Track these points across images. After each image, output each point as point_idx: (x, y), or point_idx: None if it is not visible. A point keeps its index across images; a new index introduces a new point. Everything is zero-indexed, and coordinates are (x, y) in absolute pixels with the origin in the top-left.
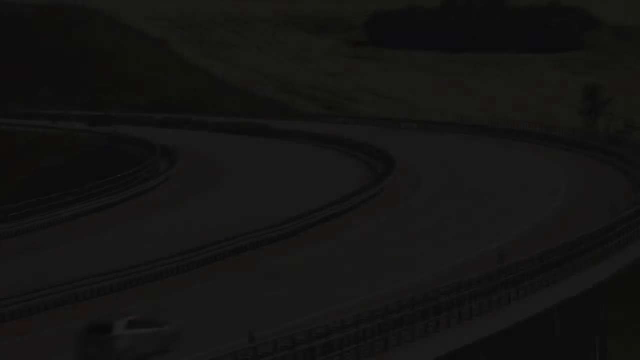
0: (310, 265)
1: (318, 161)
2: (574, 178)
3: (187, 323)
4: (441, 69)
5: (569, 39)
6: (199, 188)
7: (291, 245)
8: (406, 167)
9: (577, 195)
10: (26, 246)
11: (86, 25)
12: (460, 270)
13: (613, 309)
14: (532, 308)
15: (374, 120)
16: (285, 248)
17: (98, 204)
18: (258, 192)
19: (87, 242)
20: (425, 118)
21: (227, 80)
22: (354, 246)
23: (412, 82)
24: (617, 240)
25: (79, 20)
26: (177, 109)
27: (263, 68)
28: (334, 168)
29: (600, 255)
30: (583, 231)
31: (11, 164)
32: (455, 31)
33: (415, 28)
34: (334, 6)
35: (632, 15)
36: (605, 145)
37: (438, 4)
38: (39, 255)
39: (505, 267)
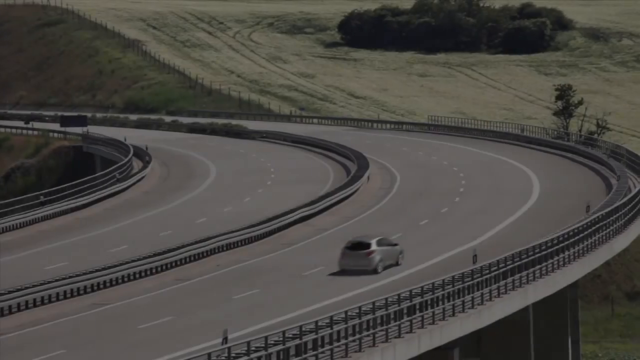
0: (284, 267)
1: (292, 162)
2: (548, 178)
3: (166, 322)
4: (414, 70)
5: (542, 40)
6: (172, 189)
7: (265, 247)
8: (380, 168)
9: (551, 196)
10: None
11: (59, 24)
12: (435, 270)
13: (585, 309)
14: (506, 308)
15: (348, 120)
16: (260, 249)
17: (71, 205)
18: (232, 193)
19: (60, 243)
20: (399, 119)
21: (201, 80)
22: (327, 248)
23: (386, 83)
24: (589, 240)
25: (52, 19)
26: (151, 109)
27: (237, 68)
28: (308, 169)
29: (573, 255)
30: (556, 232)
31: None
32: (429, 32)
33: (389, 29)
34: (308, 7)
35: (604, 17)
36: (578, 145)
37: (412, 5)
38: (10, 255)
39: (479, 268)
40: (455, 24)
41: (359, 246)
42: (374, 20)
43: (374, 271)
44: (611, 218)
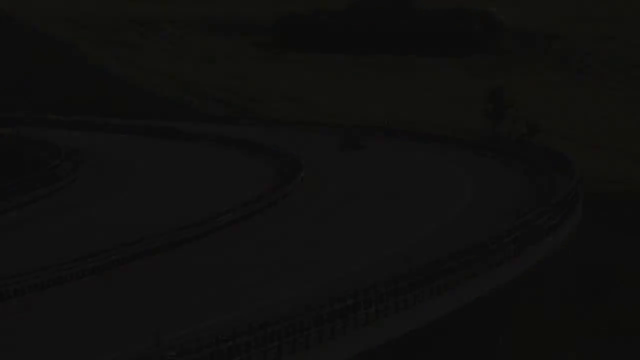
0: (214, 269)
1: (223, 163)
2: (478, 180)
3: (96, 324)
4: (347, 72)
5: (473, 42)
6: (104, 190)
7: (196, 249)
8: (312, 170)
9: (482, 198)
10: None
11: None
12: (366, 272)
13: (517, 309)
14: (438, 310)
15: (281, 122)
16: (190, 252)
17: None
18: (163, 194)
19: None
20: (331, 120)
21: (132, 81)
22: (258, 249)
23: (319, 84)
24: (520, 242)
25: None
26: (83, 110)
27: (169, 69)
28: (239, 170)
29: (504, 257)
30: (488, 233)
31: None
32: (361, 34)
33: (322, 31)
34: (240, 8)
35: (534, 20)
36: (509, 148)
37: (343, 6)
38: None
39: (411, 269)
40: (388, 26)
41: (353, 141)
42: (308, 21)
43: (362, 148)
44: (541, 219)
